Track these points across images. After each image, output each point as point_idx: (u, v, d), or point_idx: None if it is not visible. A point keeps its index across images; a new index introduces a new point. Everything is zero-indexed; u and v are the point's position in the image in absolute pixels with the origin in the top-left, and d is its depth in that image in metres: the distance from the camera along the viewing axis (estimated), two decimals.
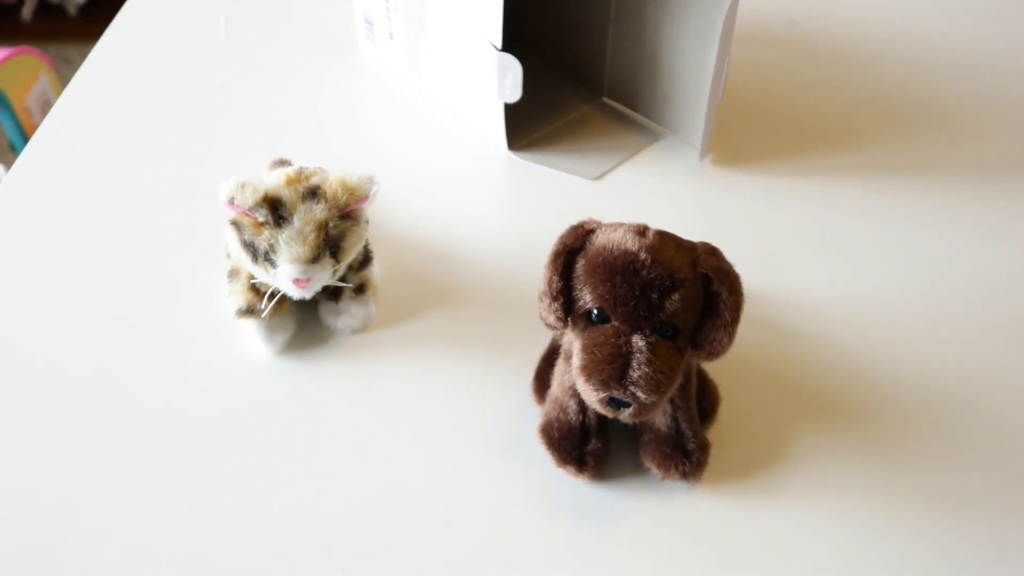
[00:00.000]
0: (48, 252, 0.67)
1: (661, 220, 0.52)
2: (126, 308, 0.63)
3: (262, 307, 0.57)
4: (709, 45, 0.70)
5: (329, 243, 0.54)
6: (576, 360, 0.47)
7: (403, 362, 0.60)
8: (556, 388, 0.53)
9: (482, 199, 0.73)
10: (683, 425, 0.52)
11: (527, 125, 0.80)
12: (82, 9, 2.34)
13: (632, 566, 0.49)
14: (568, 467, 0.52)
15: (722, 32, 0.68)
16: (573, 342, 0.49)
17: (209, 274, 0.65)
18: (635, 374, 0.45)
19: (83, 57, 0.91)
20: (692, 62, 0.73)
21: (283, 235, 0.53)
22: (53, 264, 0.66)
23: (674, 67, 0.75)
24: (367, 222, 0.57)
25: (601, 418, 0.53)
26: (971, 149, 0.79)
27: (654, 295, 0.45)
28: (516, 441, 0.55)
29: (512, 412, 0.57)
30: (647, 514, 0.51)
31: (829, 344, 0.61)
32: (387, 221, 0.70)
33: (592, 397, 0.46)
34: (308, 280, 0.54)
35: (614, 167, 0.76)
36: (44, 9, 2.35)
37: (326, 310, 0.61)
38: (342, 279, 0.58)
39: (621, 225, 0.48)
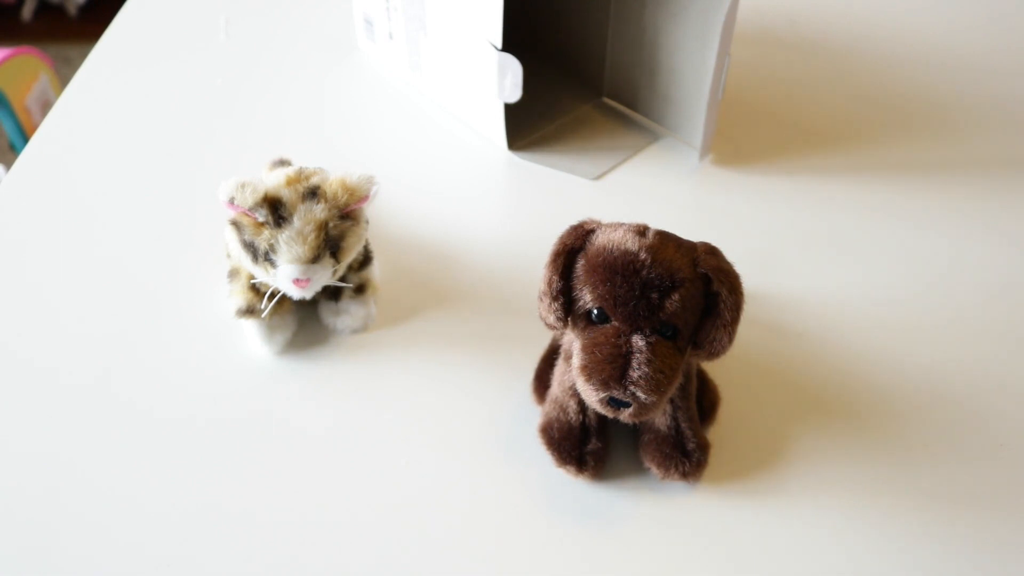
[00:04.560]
0: (48, 252, 0.67)
1: (661, 220, 0.52)
2: (126, 307, 0.63)
3: (262, 307, 0.57)
4: (709, 45, 0.70)
5: (329, 243, 0.54)
6: (576, 360, 0.47)
7: (403, 362, 0.60)
8: (556, 388, 0.53)
9: (482, 199, 0.73)
10: (683, 425, 0.52)
11: (527, 125, 0.80)
12: (82, 9, 2.34)
13: (632, 566, 0.49)
14: (568, 467, 0.52)
15: (722, 32, 0.68)
16: (573, 342, 0.49)
17: (209, 274, 0.65)
18: (635, 374, 0.45)
19: (83, 57, 0.91)
20: (692, 62, 0.73)
21: (283, 235, 0.53)
22: (53, 264, 0.66)
23: (674, 67, 0.75)
24: (367, 222, 0.57)
25: (601, 418, 0.53)
26: (971, 149, 0.79)
27: (654, 295, 0.45)
28: (516, 441, 0.55)
29: (512, 412, 0.57)
30: (647, 514, 0.51)
31: (829, 344, 0.61)
32: (387, 221, 0.70)
33: (592, 397, 0.46)
34: (308, 280, 0.54)
35: (614, 167, 0.76)
36: (44, 9, 2.35)
37: (326, 310, 0.61)
38: (342, 279, 0.58)
39: (621, 225, 0.48)
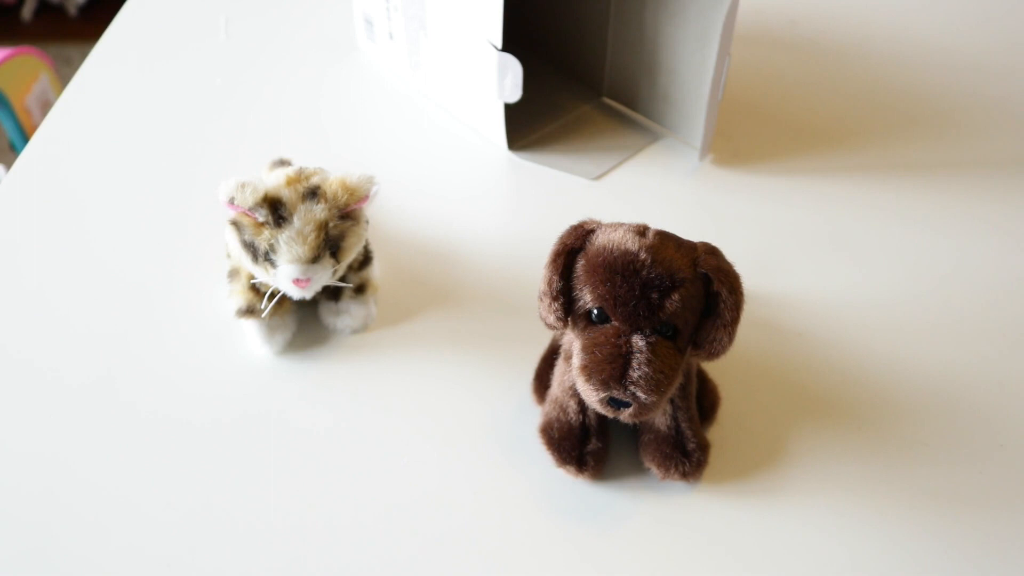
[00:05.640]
0: (48, 252, 0.67)
1: (661, 220, 0.52)
2: (126, 307, 0.63)
3: (262, 307, 0.57)
4: (709, 45, 0.70)
5: (329, 243, 0.54)
6: (576, 360, 0.47)
7: (403, 362, 0.60)
8: (556, 388, 0.53)
9: (482, 199, 0.73)
10: (683, 425, 0.52)
11: (527, 125, 0.80)
12: (82, 9, 2.34)
13: (632, 566, 0.49)
14: (568, 467, 0.52)
15: (722, 32, 0.68)
16: (573, 342, 0.49)
17: (209, 274, 0.65)
18: (635, 374, 0.45)
19: (83, 57, 0.91)
20: (692, 62, 0.73)
21: (283, 235, 0.53)
22: (53, 264, 0.66)
23: (674, 67, 0.75)
24: (367, 222, 0.57)
25: (601, 418, 0.53)
26: (971, 149, 0.79)
27: (654, 295, 0.45)
28: (516, 441, 0.55)
29: (512, 412, 0.57)
30: (647, 514, 0.51)
31: (829, 344, 0.61)
32: (387, 221, 0.70)
33: (592, 397, 0.46)
34: (308, 280, 0.54)
35: (614, 167, 0.76)
36: (44, 9, 2.35)
37: (326, 310, 0.61)
38: (342, 279, 0.58)
39: (621, 225, 0.48)
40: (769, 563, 0.49)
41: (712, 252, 0.48)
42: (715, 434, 0.55)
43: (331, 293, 0.60)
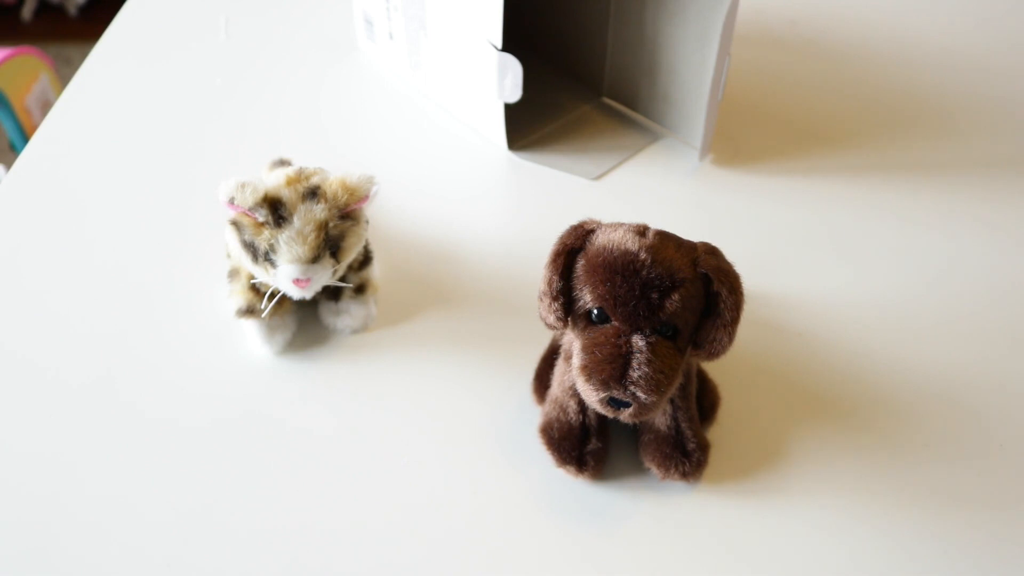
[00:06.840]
0: (48, 252, 0.67)
1: (661, 220, 0.52)
2: (127, 307, 0.63)
3: (262, 307, 0.57)
4: (709, 45, 0.70)
5: (329, 243, 0.54)
6: (576, 360, 0.47)
7: (403, 362, 0.60)
8: (556, 388, 0.53)
9: (482, 199, 0.73)
10: (683, 425, 0.52)
11: (527, 125, 0.80)
12: (82, 9, 2.34)
13: (632, 566, 0.49)
14: (568, 467, 0.52)
15: (722, 32, 0.68)
16: (573, 342, 0.49)
17: (209, 274, 0.65)
18: (635, 374, 0.45)
19: (83, 57, 0.91)
20: (692, 62, 0.73)
21: (283, 235, 0.53)
22: (53, 264, 0.66)
23: (674, 67, 0.75)
24: (367, 222, 0.57)
25: (601, 418, 0.53)
26: (971, 149, 0.79)
27: (654, 295, 0.45)
28: (516, 441, 0.55)
29: (512, 412, 0.57)
30: (647, 514, 0.51)
31: (829, 344, 0.61)
32: (387, 221, 0.70)
33: (592, 397, 0.46)
34: (308, 280, 0.54)
35: (614, 167, 0.76)
36: (44, 9, 2.35)
37: (326, 310, 0.61)
38: (342, 279, 0.58)
39: (621, 225, 0.48)
40: (769, 563, 0.49)
41: (712, 252, 0.48)
42: (715, 434, 0.55)
43: (331, 293, 0.60)
